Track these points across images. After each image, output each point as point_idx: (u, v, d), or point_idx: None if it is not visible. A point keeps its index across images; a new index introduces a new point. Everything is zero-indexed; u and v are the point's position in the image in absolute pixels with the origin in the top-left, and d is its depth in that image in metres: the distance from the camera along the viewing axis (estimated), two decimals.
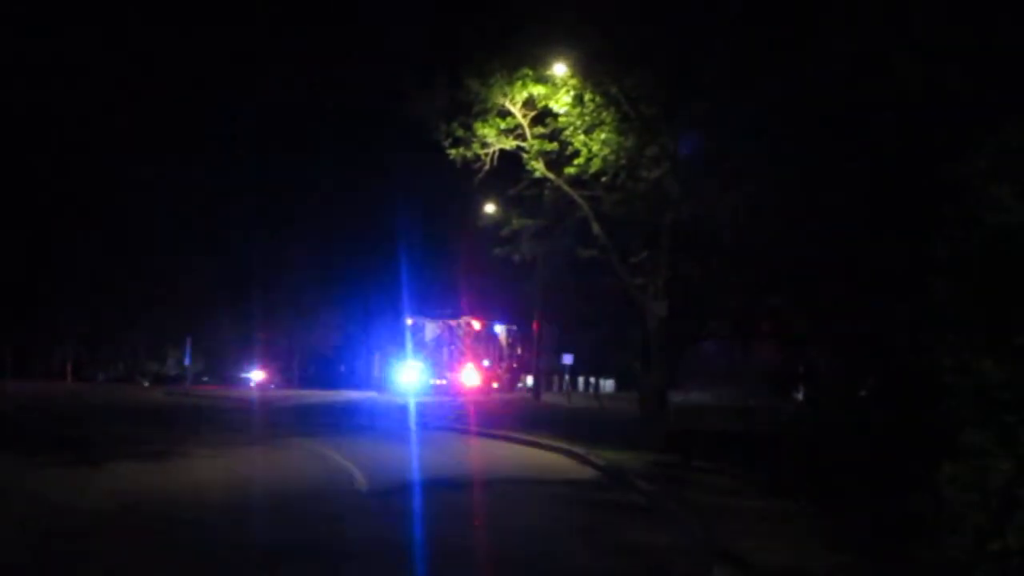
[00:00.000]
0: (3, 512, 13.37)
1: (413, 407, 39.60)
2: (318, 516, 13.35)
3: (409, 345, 57.12)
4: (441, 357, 57.06)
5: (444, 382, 55.81)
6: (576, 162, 23.97)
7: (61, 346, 78.61)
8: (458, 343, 57.30)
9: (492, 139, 25.21)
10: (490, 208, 30.44)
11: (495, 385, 57.72)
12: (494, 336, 59.59)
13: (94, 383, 74.63)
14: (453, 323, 57.72)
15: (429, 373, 56.52)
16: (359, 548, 11.15)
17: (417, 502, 14.93)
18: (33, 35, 60.24)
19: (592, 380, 64.90)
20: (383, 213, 68.83)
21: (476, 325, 57.45)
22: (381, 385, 61.60)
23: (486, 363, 57.89)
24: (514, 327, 59.12)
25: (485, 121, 24.94)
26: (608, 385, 66.84)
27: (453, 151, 25.25)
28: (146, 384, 77.83)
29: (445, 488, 16.78)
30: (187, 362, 73.94)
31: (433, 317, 57.78)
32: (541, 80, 23.81)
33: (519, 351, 60.91)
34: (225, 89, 76.50)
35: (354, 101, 66.06)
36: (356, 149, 71.28)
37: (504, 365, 59.83)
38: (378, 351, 74.34)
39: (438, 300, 60.27)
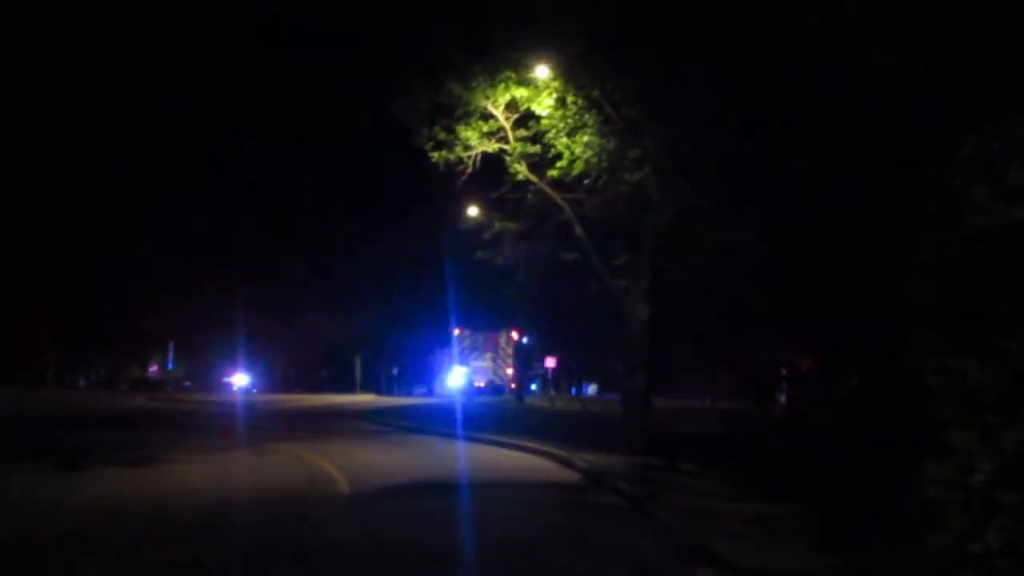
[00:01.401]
0: None
1: (405, 410, 39.61)
2: (300, 521, 13.30)
3: (455, 351, 60.31)
4: (486, 364, 60.13)
5: (483, 384, 58.57)
6: (559, 164, 23.91)
7: (42, 351, 78.30)
8: (499, 351, 59.74)
9: (474, 142, 25.13)
10: (473, 211, 30.38)
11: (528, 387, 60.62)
12: (524, 345, 61.98)
13: (75, 388, 74.37)
14: (496, 334, 60.50)
15: (472, 377, 59.53)
16: (340, 553, 11.11)
17: (399, 506, 14.88)
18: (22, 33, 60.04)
19: (575, 383, 65.14)
20: (376, 217, 69.19)
21: (515, 336, 59.86)
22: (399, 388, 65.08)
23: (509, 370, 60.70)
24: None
25: (467, 124, 24.86)
26: (591, 388, 67.11)
27: (435, 154, 25.17)
28: (124, 387, 77.55)
29: (427, 492, 16.76)
30: (170, 367, 73.98)
31: (477, 329, 60.66)
32: (523, 83, 23.72)
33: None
34: (209, 94, 76.41)
35: (343, 105, 66.10)
36: (351, 155, 71.35)
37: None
38: (359, 355, 75.01)
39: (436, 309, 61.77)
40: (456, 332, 60.70)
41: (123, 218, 71.60)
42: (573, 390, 63.87)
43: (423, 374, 73.38)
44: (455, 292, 57.70)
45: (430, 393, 65.91)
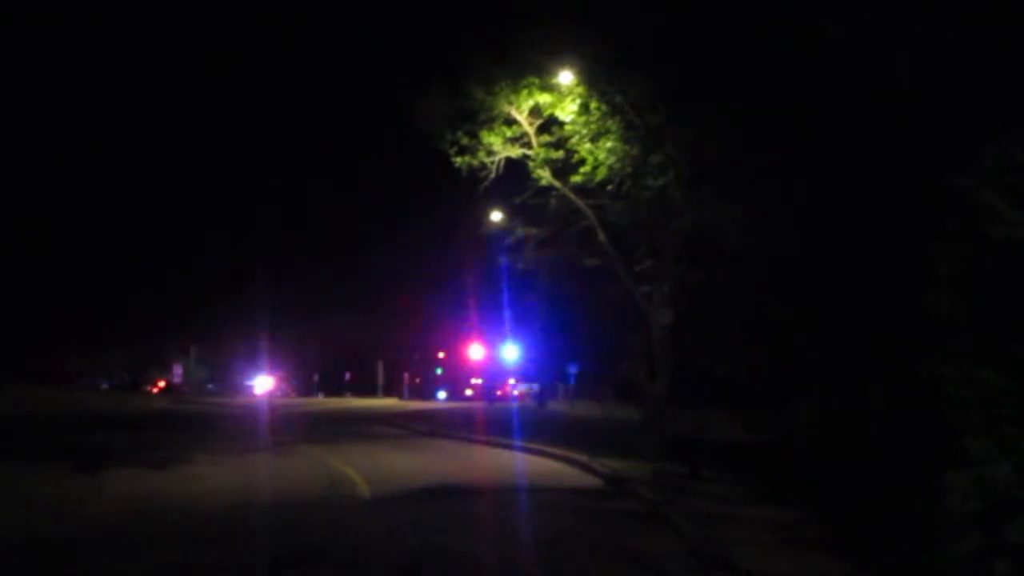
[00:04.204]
0: (3, 520, 13.36)
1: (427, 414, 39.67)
2: (321, 525, 13.32)
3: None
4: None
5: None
6: (582, 170, 23.94)
7: (67, 353, 78.58)
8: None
9: (498, 147, 25.17)
10: (496, 216, 30.44)
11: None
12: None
13: (98, 391, 74.59)
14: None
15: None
16: (361, 557, 11.13)
17: (419, 511, 14.86)
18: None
19: (596, 388, 65.30)
20: (399, 220, 69.53)
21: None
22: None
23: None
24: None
25: (490, 129, 24.90)
26: (611, 393, 67.25)
27: (459, 160, 25.23)
28: (147, 390, 77.74)
29: (447, 496, 16.74)
30: (181, 371, 74.30)
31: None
32: (547, 88, 23.76)
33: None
34: (232, 97, 76.72)
35: (358, 109, 66.37)
36: (368, 159, 71.54)
37: None
38: (382, 360, 75.50)
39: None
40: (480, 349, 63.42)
41: (149, 223, 71.97)
42: (592, 396, 64.12)
43: (445, 380, 74.31)
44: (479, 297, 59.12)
45: (453, 398, 67.39)
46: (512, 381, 61.33)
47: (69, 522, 13.15)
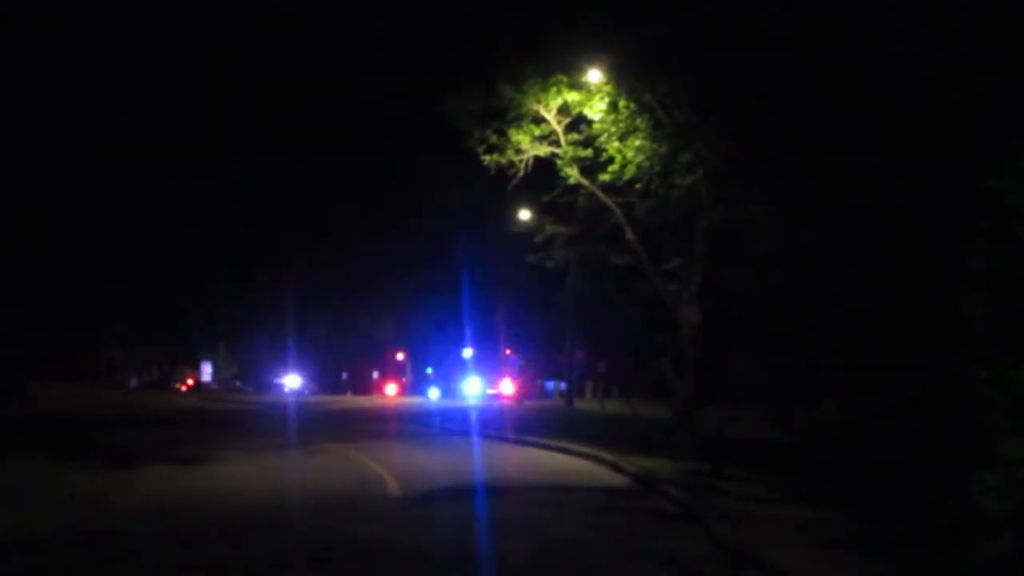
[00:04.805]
0: (34, 517, 13.47)
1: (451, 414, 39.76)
2: (352, 523, 13.36)
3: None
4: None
5: (497, 391, 63.03)
6: (610, 168, 23.86)
7: (94, 349, 78.93)
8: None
9: (526, 145, 25.12)
10: (524, 215, 30.42)
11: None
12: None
13: (127, 388, 74.89)
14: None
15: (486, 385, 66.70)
16: (391, 555, 11.17)
17: (448, 509, 14.92)
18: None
19: (627, 387, 65.33)
20: (420, 223, 69.91)
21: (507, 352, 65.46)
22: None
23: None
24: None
25: (519, 127, 24.86)
26: (642, 391, 67.36)
27: (487, 157, 25.20)
28: (175, 387, 78.08)
29: (476, 494, 16.79)
30: (210, 369, 74.65)
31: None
32: (575, 87, 23.69)
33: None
34: (258, 95, 76.90)
35: (388, 108, 66.51)
36: (395, 161, 71.68)
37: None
38: (409, 359, 76.48)
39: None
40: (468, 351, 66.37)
41: (172, 223, 72.27)
42: (622, 394, 64.23)
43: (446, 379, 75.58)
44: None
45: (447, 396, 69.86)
46: (508, 380, 63.07)
47: (100, 520, 13.21)
